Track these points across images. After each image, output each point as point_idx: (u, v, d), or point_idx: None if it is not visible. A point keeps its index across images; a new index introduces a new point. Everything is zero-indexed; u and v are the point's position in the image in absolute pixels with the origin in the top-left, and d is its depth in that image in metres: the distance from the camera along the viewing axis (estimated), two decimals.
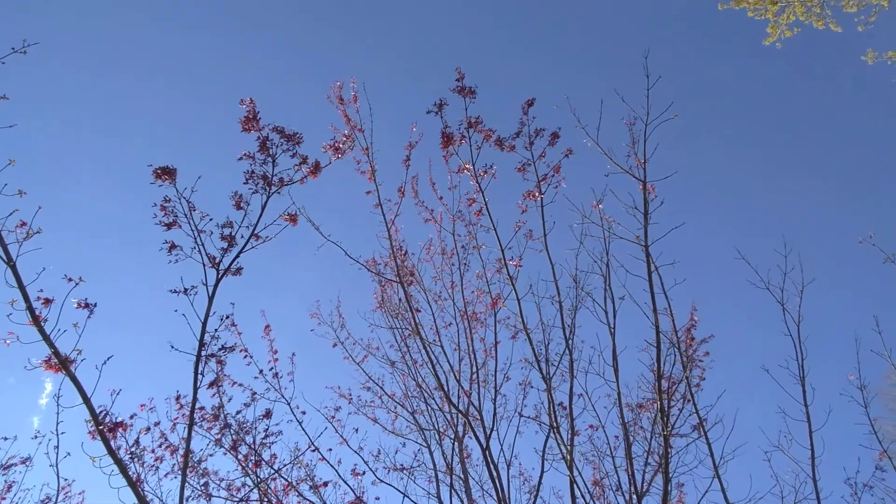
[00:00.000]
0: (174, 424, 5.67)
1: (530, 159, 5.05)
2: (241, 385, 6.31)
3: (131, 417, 4.76)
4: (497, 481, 5.48)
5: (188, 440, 3.74)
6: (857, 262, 20.20)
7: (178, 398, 5.50)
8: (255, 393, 6.06)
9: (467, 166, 5.10)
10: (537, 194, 5.04)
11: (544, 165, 5.05)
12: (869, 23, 9.21)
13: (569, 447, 4.88)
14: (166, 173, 3.81)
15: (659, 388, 4.62)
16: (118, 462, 3.39)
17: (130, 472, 5.10)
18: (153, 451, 5.54)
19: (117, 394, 3.60)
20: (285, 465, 5.57)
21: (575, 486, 4.77)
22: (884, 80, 15.01)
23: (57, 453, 4.63)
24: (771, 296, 5.15)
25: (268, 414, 5.85)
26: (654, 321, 4.45)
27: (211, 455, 5.70)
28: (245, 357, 6.49)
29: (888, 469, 5.42)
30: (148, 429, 5.53)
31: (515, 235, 5.18)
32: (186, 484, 5.43)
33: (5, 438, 5.51)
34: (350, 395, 8.31)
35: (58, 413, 4.19)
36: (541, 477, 5.33)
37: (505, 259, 5.13)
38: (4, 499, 5.17)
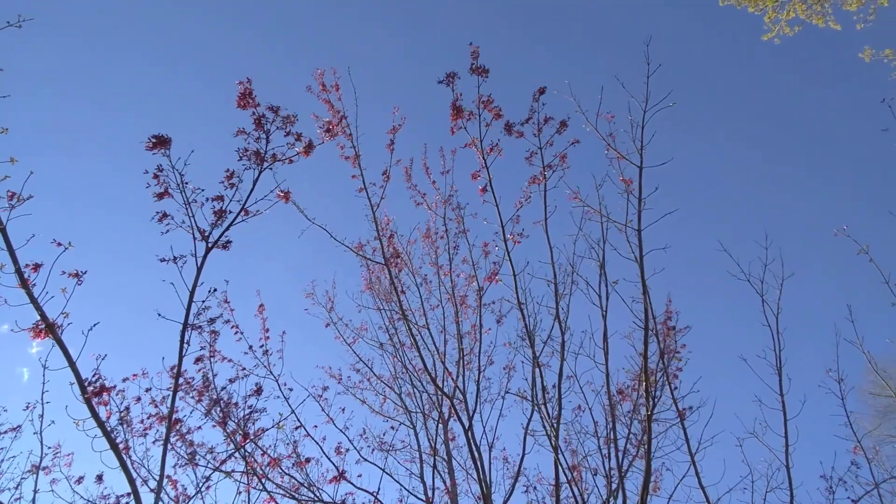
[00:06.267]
0: (164, 398, 5.76)
1: (538, 146, 5.12)
2: (230, 361, 6.41)
3: (124, 381, 4.84)
4: (479, 462, 5.57)
5: (171, 405, 3.82)
6: (837, 255, 20.35)
7: (172, 368, 5.57)
8: (244, 368, 6.15)
9: (475, 141, 5.17)
10: (541, 179, 5.14)
11: (550, 154, 5.13)
12: (868, 21, 9.23)
13: (555, 427, 4.96)
14: (161, 142, 3.85)
15: (645, 369, 4.70)
16: (101, 425, 3.46)
17: (118, 440, 5.21)
18: (143, 421, 5.64)
19: (102, 358, 3.69)
20: (267, 430, 5.68)
21: (559, 465, 4.88)
22: (878, 78, 15.02)
23: (41, 421, 4.71)
24: (751, 287, 5.22)
25: (258, 390, 5.94)
26: (644, 302, 4.54)
27: (199, 428, 5.81)
28: (235, 333, 6.58)
29: (863, 465, 5.51)
30: (139, 398, 5.64)
31: (517, 212, 5.30)
32: (173, 452, 5.56)
33: None
34: (339, 375, 8.42)
35: (43, 382, 4.25)
36: (522, 457, 5.43)
37: (504, 233, 5.20)
38: None
